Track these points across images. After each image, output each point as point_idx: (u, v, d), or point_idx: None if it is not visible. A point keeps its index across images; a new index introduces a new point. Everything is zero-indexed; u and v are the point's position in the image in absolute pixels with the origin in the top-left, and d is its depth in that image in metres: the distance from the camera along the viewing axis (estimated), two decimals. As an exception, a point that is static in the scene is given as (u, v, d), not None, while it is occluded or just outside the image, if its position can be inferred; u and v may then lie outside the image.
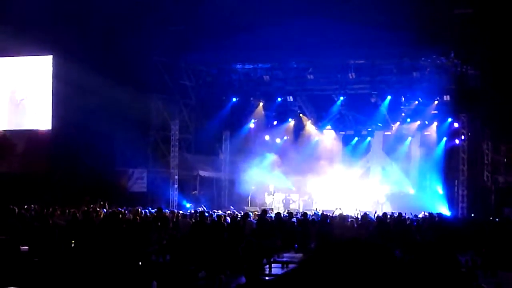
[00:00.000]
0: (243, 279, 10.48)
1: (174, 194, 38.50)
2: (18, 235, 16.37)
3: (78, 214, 23.35)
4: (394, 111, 39.57)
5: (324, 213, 30.71)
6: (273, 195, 40.77)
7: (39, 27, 35.98)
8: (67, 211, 25.54)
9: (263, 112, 41.75)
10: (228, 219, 25.06)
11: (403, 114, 40.09)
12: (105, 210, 28.90)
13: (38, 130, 38.67)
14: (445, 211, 35.56)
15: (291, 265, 15.23)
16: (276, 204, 39.38)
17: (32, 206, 28.13)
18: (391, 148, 41.79)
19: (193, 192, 40.34)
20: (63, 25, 36.06)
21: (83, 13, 35.58)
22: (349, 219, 27.46)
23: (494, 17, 33.52)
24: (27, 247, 14.83)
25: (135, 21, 34.79)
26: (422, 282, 9.01)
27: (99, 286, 10.31)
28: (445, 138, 39.24)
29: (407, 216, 29.20)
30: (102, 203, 32.22)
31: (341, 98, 39.16)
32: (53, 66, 38.07)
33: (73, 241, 17.07)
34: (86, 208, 27.53)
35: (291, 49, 35.81)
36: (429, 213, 31.23)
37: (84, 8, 35.50)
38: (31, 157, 37.74)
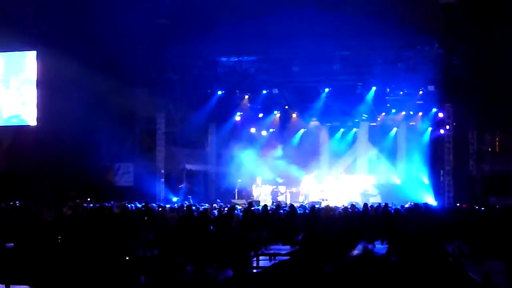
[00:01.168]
0: (229, 272, 10.49)
1: (160, 188, 38.52)
2: (3, 231, 16.34)
3: (64, 210, 23.33)
4: (380, 102, 39.71)
5: (312, 204, 30.85)
6: (260, 187, 40.80)
7: (22, 22, 35.90)
8: (53, 207, 25.47)
9: (248, 105, 41.85)
10: (215, 212, 25.08)
11: (388, 105, 40.27)
12: (91, 205, 28.86)
13: (23, 125, 38.52)
14: (431, 200, 35.77)
15: (278, 257, 15.31)
16: (263, 197, 39.45)
17: (18, 202, 28.07)
18: (377, 139, 42.02)
19: (180, 186, 40.33)
20: (47, 19, 35.96)
21: (67, 7, 35.46)
22: (337, 211, 27.53)
23: (478, 6, 33.61)
24: (12, 244, 14.79)
25: (120, 14, 34.66)
26: (409, 272, 9.06)
27: (86, 282, 10.29)
28: (430, 128, 39.48)
29: (393, 207, 29.33)
30: (88, 199, 32.22)
31: (327, 89, 39.23)
32: (37, 61, 37.94)
33: (59, 237, 17.01)
34: (72, 204, 27.49)
35: (276, 41, 35.75)
36: (415, 203, 31.36)
37: (68, 2, 35.40)
38: (16, 153, 37.66)
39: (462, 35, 34.61)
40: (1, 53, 38.92)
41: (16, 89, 38.84)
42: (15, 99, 38.79)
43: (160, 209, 27.50)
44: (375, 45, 35.49)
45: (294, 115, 42.98)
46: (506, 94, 33.05)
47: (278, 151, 41.50)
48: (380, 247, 15.71)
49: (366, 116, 41.33)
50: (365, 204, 28.89)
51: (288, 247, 17.60)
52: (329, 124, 42.80)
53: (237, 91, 41.01)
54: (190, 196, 36.92)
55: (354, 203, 30.06)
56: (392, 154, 41.48)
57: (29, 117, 38.24)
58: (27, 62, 38.45)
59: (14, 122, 38.72)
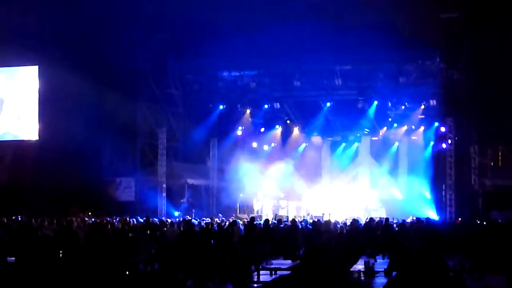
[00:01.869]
0: (231, 287, 10.49)
1: (162, 203, 38.46)
2: (5, 246, 16.31)
3: (65, 225, 23.29)
4: (381, 116, 39.73)
5: (315, 219, 30.82)
6: (261, 201, 40.77)
7: (24, 38, 35.93)
8: (55, 221, 25.43)
9: (250, 119, 41.88)
10: (216, 227, 25.06)
11: (389, 119, 40.28)
12: (93, 219, 28.83)
13: (25, 140, 38.51)
14: (433, 215, 35.68)
15: (279, 272, 15.28)
16: (265, 211, 39.40)
17: (19, 216, 28.04)
18: (378, 153, 41.98)
19: (182, 201, 40.32)
20: (48, 35, 36.01)
21: (69, 23, 35.51)
22: (338, 226, 27.48)
23: (479, 20, 33.62)
24: (13, 258, 14.78)
25: (122, 29, 34.77)
26: (412, 286, 9.04)
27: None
28: (432, 143, 39.40)
29: (395, 221, 29.30)
30: (90, 213, 32.19)
31: (328, 104, 39.29)
32: (39, 77, 37.97)
33: (60, 252, 16.98)
34: (74, 218, 27.45)
35: (277, 55, 35.83)
36: (417, 217, 31.33)
37: (70, 19, 35.45)
38: (18, 167, 37.64)
39: (463, 49, 34.66)
40: (3, 68, 38.94)
41: (18, 104, 38.85)
42: (17, 114, 38.79)
43: (161, 223, 27.47)
44: (376, 60, 35.58)
45: (295, 130, 42.96)
46: (508, 108, 33.05)
47: (287, 166, 41.44)
48: (381, 262, 15.65)
49: (367, 130, 41.35)
50: (371, 219, 28.93)
51: (289, 261, 17.58)
52: (330, 138, 42.83)
53: (238, 105, 41.10)
54: (193, 211, 36.89)
55: (356, 218, 30.01)
56: (394, 169, 41.43)
57: (31, 132, 38.21)
58: (27, 77, 38.46)
59: (9, 138, 38.66)
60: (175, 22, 36.37)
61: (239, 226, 24.83)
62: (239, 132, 42.24)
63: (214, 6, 35.10)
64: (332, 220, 30.13)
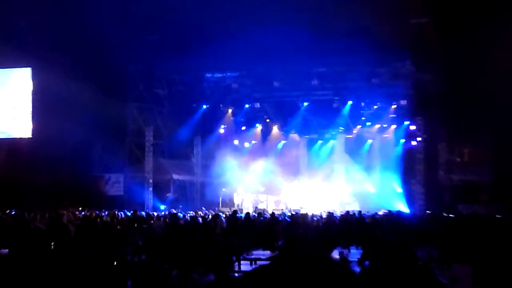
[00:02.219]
0: (211, 276, 10.48)
1: (149, 197, 38.50)
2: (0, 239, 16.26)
3: (56, 218, 23.21)
4: (355, 116, 39.93)
5: (293, 213, 30.86)
6: (242, 195, 40.80)
7: (17, 41, 35.78)
8: (46, 215, 25.35)
9: (232, 118, 41.95)
10: (200, 219, 25.06)
11: (363, 118, 40.48)
12: (83, 213, 28.77)
13: (18, 138, 38.36)
14: (404, 208, 35.84)
15: (259, 262, 15.28)
16: (245, 204, 39.44)
17: (13, 210, 27.93)
18: (352, 150, 42.10)
19: (167, 195, 40.30)
20: (40, 39, 35.83)
21: (60, 27, 35.37)
22: (315, 218, 27.55)
23: (448, 25, 33.71)
24: (7, 250, 14.73)
25: (111, 32, 34.64)
26: (383, 277, 9.02)
27: (77, 286, 10.23)
28: (402, 140, 39.62)
29: (368, 214, 29.39)
30: (80, 207, 32.10)
31: (305, 104, 39.42)
32: (32, 78, 37.85)
33: (52, 244, 16.92)
34: (65, 212, 27.37)
35: (258, 58, 35.82)
36: (388, 210, 31.46)
37: (61, 22, 35.30)
38: (12, 164, 37.42)
39: (432, 52, 34.80)
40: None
41: (12, 104, 38.67)
42: (10, 113, 38.61)
43: (148, 217, 27.44)
44: (350, 62, 35.72)
45: (274, 128, 43.03)
46: (475, 108, 33.16)
47: (266, 162, 41.46)
48: (355, 252, 15.68)
49: (342, 128, 41.48)
50: (347, 212, 29.05)
51: (268, 252, 17.57)
52: (307, 136, 42.87)
53: (221, 105, 41.13)
54: (181, 206, 36.89)
55: (331, 211, 30.07)
56: (367, 165, 41.56)
57: (24, 130, 38.06)
58: (21, 78, 38.31)
59: (2, 137, 38.52)
60: (162, 26, 36.34)
61: (222, 219, 24.85)
62: (221, 130, 42.28)
63: (199, 12, 35.05)
64: (309, 213, 30.23)
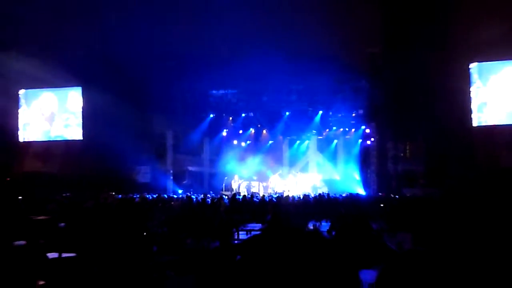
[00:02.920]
0: (217, 243, 10.46)
1: (170, 184, 38.56)
2: (57, 216, 16.20)
3: (101, 199, 23.19)
4: (324, 122, 39.90)
5: (278, 195, 30.88)
6: (238, 182, 40.78)
7: (71, 66, 35.80)
8: (93, 197, 25.33)
9: (232, 124, 41.94)
10: (209, 200, 25.02)
11: (330, 124, 40.48)
12: (120, 196, 28.75)
13: (72, 140, 38.37)
14: (361, 191, 35.87)
15: (253, 232, 15.26)
16: (241, 189, 39.42)
17: (68, 194, 27.90)
18: (322, 148, 42.16)
19: (183, 182, 40.38)
20: (88, 65, 35.91)
21: (103, 55, 35.43)
22: (295, 199, 27.53)
23: (393, 55, 33.78)
24: (63, 224, 14.68)
25: (141, 59, 34.75)
26: (346, 243, 9.00)
27: (115, 249, 10.21)
28: (360, 140, 39.65)
29: (334, 195, 29.37)
30: (118, 192, 32.11)
31: (287, 113, 39.39)
32: (82, 95, 37.95)
33: (97, 219, 16.87)
34: (106, 195, 27.34)
35: (251, 79, 35.94)
36: (350, 193, 31.43)
37: (104, 51, 35.36)
38: (66, 159, 37.43)
39: (381, 74, 34.87)
40: (57, 88, 38.77)
41: (62, 116, 38.72)
42: (61, 124, 38.69)
43: (169, 198, 27.41)
44: (320, 82, 35.69)
45: (264, 131, 43.03)
46: (412, 115, 33.27)
47: (258, 157, 41.54)
48: (325, 225, 15.65)
49: (315, 132, 41.46)
50: (319, 194, 29.00)
51: (260, 225, 17.52)
52: (289, 137, 42.82)
53: (223, 114, 41.06)
54: (191, 190, 36.94)
55: (306, 194, 30.08)
56: (333, 159, 41.61)
57: (77, 134, 38.28)
58: (73, 96, 38.39)
59: (66, 138, 38.68)
60: (179, 55, 36.40)
61: (225, 200, 24.84)
62: (224, 133, 42.35)
63: (205, 44, 35.14)
64: (290, 195, 30.23)
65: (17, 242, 9.86)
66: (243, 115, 40.93)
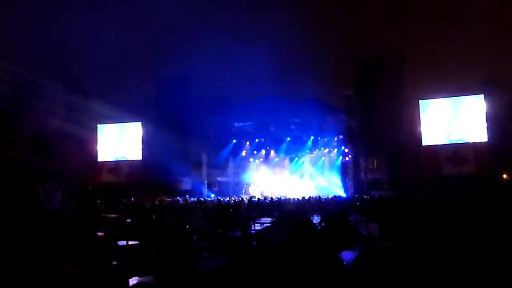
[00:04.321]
0: (239, 233, 10.43)
1: (205, 190, 38.44)
2: (126, 214, 16.27)
3: (156, 202, 23.23)
4: (315, 144, 39.85)
5: (282, 197, 30.76)
6: (254, 188, 40.68)
7: (133, 106, 36.24)
8: (150, 200, 25.39)
9: (248, 147, 41.92)
10: (233, 202, 25.03)
11: (319, 146, 40.38)
12: (169, 199, 28.77)
13: (134, 160, 38.57)
14: (342, 193, 35.66)
15: (264, 224, 15.23)
16: (256, 194, 39.33)
17: (132, 199, 27.98)
18: (314, 163, 41.98)
19: (215, 189, 40.31)
20: (146, 104, 36.32)
21: (156, 98, 35.84)
22: (295, 200, 27.44)
23: (364, 96, 33.78)
24: (129, 220, 14.72)
25: (183, 100, 35.24)
26: (331, 231, 8.91)
27: (166, 237, 10.21)
28: (341, 157, 39.46)
29: (323, 197, 29.24)
30: (168, 196, 32.13)
31: (288, 138, 39.40)
32: (142, 127, 38.20)
33: (154, 216, 16.91)
34: (160, 199, 27.38)
35: (262, 114, 36.19)
36: (334, 195, 31.31)
37: (157, 95, 35.72)
38: (131, 174, 37.66)
39: (356, 110, 34.87)
40: (123, 123, 39.05)
41: (131, 140, 38.90)
42: (126, 147, 38.89)
43: (205, 201, 27.41)
44: (311, 116, 35.78)
45: (272, 152, 42.95)
46: (378, 139, 33.15)
47: (268, 170, 41.55)
48: (316, 218, 15.59)
49: (308, 151, 41.37)
50: (315, 197, 28.83)
51: (270, 219, 17.49)
52: (289, 156, 42.74)
53: (242, 140, 41.13)
54: (221, 195, 36.88)
55: (303, 196, 29.97)
56: (322, 171, 41.44)
57: (138, 155, 38.44)
58: (135, 129, 38.68)
59: (130, 158, 38.80)
60: (210, 96, 36.79)
61: (245, 201, 24.81)
62: (243, 153, 42.20)
63: (230, 90, 35.60)
64: (291, 197, 30.13)
65: (98, 233, 9.92)
66: (257, 140, 41.00)
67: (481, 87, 31.81)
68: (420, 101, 33.14)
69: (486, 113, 31.56)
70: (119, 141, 39.39)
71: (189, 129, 37.50)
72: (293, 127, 37.39)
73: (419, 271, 1.89)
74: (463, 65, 32.82)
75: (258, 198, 27.70)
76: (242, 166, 42.23)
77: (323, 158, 41.66)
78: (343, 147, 38.45)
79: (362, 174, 35.37)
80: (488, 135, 31.25)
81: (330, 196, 30.42)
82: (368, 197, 28.79)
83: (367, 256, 1.93)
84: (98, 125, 39.03)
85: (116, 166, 38.70)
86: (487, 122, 31.41)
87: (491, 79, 31.42)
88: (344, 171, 38.16)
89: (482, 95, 31.68)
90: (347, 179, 36.85)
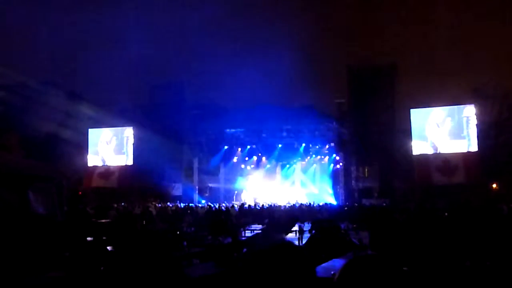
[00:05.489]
0: (230, 239, 10.45)
1: (196, 196, 38.32)
2: (116, 219, 16.20)
3: (148, 207, 23.16)
4: (307, 151, 39.87)
5: (272, 204, 30.77)
6: (245, 194, 40.63)
7: (125, 112, 36.18)
8: (141, 206, 25.29)
9: (240, 153, 41.88)
10: (223, 208, 25.02)
11: (310, 153, 40.41)
12: (159, 205, 28.68)
13: (125, 165, 38.41)
14: (333, 201, 35.76)
15: (255, 231, 15.24)
16: (247, 200, 39.30)
17: (122, 204, 27.86)
18: (305, 170, 42.02)
19: (205, 194, 40.22)
20: (138, 111, 36.29)
21: (148, 104, 35.79)
22: (285, 207, 27.48)
23: (355, 104, 34.02)
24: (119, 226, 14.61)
25: (176, 107, 35.18)
26: (321, 238, 8.95)
27: (155, 244, 10.17)
28: (332, 165, 39.59)
29: (314, 204, 29.31)
30: (158, 202, 32.02)
31: (279, 145, 39.39)
32: (133, 133, 38.08)
33: (144, 221, 16.86)
34: (150, 204, 27.28)
35: (254, 122, 36.35)
36: (325, 203, 31.39)
37: (149, 102, 35.69)
38: (122, 178, 37.42)
39: (347, 118, 35.09)
40: (112, 128, 38.88)
41: (119, 147, 38.74)
42: (121, 150, 38.72)
43: (195, 207, 27.37)
44: (303, 123, 35.99)
45: (263, 158, 42.94)
46: (369, 147, 33.40)
47: (259, 176, 41.55)
48: (307, 226, 15.65)
49: (299, 159, 41.39)
50: (303, 204, 28.88)
51: (260, 226, 17.51)
52: (281, 162, 42.75)
53: (234, 146, 41.11)
54: (211, 201, 36.83)
55: (294, 203, 30.00)
56: (313, 178, 41.49)
57: (125, 161, 38.24)
58: (127, 133, 38.50)
59: (121, 163, 38.60)
60: (203, 103, 36.84)
61: (235, 208, 24.79)
62: (235, 160, 42.06)
63: (223, 97, 35.78)
64: (281, 204, 30.16)
65: (87, 238, 9.87)
66: (248, 147, 40.95)
67: (472, 97, 32.19)
68: (411, 109, 33.38)
69: (476, 123, 31.86)
70: (110, 146, 39.20)
71: (181, 135, 37.50)
72: (285, 134, 37.42)
73: (404, 282, 1.94)
74: (455, 75, 33.23)
75: (249, 205, 27.71)
76: (233, 172, 42.18)
77: (314, 165, 41.73)
78: (334, 155, 38.58)
79: (353, 182, 35.51)
80: (478, 145, 31.51)
81: (321, 204, 30.46)
82: (358, 204, 28.90)
83: (351, 267, 1.98)
84: (89, 130, 38.85)
85: (107, 171, 38.48)
86: (477, 132, 31.68)
87: (482, 89, 31.82)
88: (335, 178, 38.29)
89: (473, 105, 31.99)
90: (338, 187, 36.98)
